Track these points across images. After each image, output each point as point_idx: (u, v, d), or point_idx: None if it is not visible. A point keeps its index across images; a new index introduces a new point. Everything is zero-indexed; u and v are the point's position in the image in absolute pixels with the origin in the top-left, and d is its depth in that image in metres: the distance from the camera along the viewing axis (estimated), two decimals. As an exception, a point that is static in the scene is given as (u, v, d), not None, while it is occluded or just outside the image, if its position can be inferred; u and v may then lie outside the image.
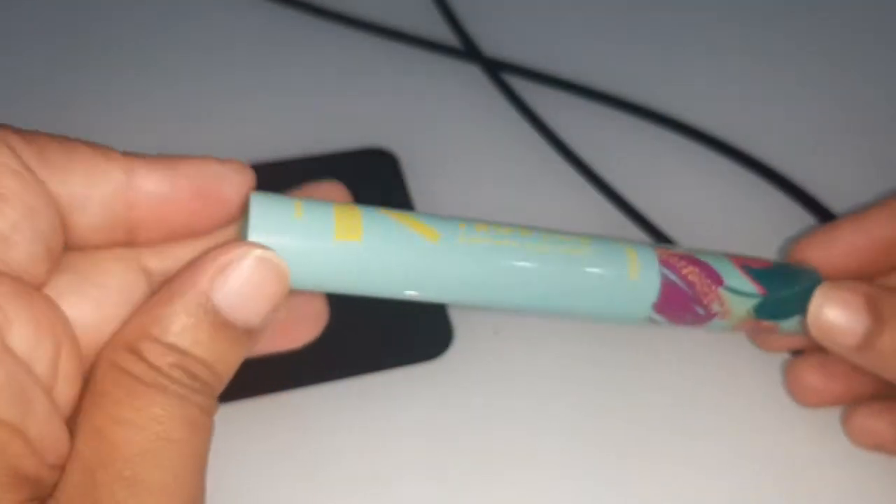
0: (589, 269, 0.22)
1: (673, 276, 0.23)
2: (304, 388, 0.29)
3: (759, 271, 0.25)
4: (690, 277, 0.24)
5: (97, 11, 0.42)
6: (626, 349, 0.30)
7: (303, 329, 0.23)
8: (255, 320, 0.19)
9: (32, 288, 0.17)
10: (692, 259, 0.24)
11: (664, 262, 0.23)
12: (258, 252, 0.19)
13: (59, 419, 0.17)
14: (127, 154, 0.19)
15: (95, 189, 0.19)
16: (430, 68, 0.40)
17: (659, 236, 0.33)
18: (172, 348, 0.18)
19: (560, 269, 0.22)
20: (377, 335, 0.30)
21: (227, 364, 0.19)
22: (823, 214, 0.33)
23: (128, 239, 0.20)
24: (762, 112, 0.38)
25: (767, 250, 0.33)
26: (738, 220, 0.34)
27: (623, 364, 0.30)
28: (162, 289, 0.18)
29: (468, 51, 0.40)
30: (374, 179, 0.35)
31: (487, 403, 0.28)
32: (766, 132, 0.37)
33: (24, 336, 0.17)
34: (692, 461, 0.27)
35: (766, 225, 0.34)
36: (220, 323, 0.18)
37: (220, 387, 0.19)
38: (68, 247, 0.19)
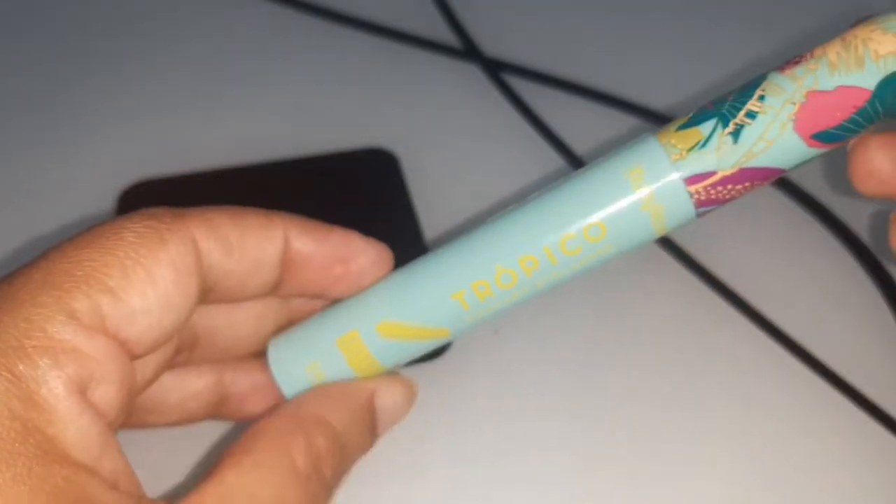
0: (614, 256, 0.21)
1: (712, 208, 0.21)
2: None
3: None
4: (733, 195, 0.20)
5: (97, 11, 0.42)
6: (627, 349, 0.30)
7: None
8: (388, 429, 0.23)
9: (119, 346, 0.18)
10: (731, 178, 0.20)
11: (700, 204, 0.20)
12: (409, 382, 0.23)
13: (125, 457, 0.18)
14: (284, 216, 0.21)
15: (265, 256, 0.21)
16: (430, 68, 0.40)
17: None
18: (336, 436, 0.20)
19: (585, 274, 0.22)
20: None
21: (356, 462, 0.22)
22: (824, 214, 0.33)
23: (274, 290, 0.22)
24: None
25: (767, 250, 0.33)
26: (737, 220, 0.34)
27: (623, 364, 0.30)
28: (331, 388, 0.22)
29: (468, 51, 0.40)
30: (374, 179, 0.35)
31: (487, 404, 0.28)
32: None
33: (106, 394, 0.18)
34: (693, 461, 0.27)
35: (766, 225, 0.34)
36: (371, 425, 0.22)
37: (340, 482, 0.21)
38: (221, 301, 0.21)
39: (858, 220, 0.33)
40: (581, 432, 0.28)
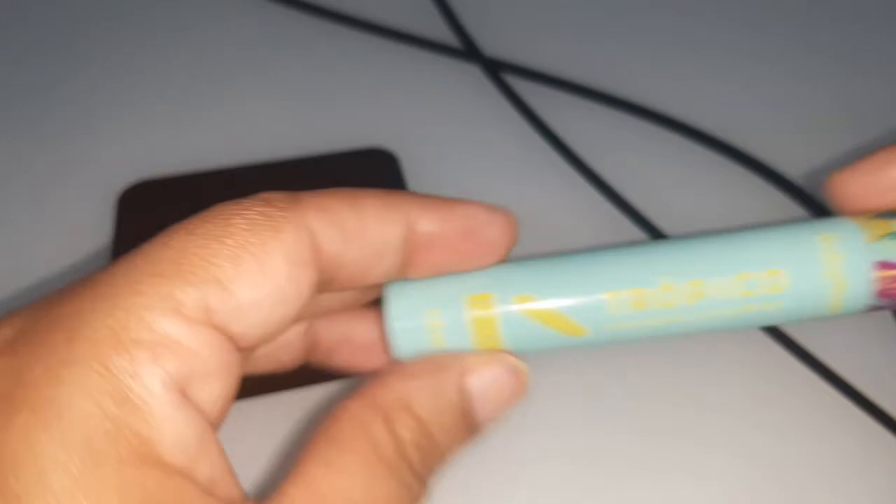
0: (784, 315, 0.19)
1: (885, 303, 0.19)
2: (305, 387, 0.28)
3: None
4: None
5: (97, 11, 0.42)
6: (627, 349, 0.30)
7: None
8: (491, 420, 0.20)
9: (226, 339, 0.17)
10: None
11: (880, 294, 0.19)
12: (514, 362, 0.20)
13: (225, 456, 0.17)
14: (404, 196, 0.20)
15: (387, 240, 0.19)
16: (430, 68, 0.40)
17: (659, 236, 0.33)
18: (421, 424, 0.18)
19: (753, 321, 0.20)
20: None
21: (451, 454, 0.19)
22: (823, 214, 0.33)
23: (399, 274, 0.20)
24: (762, 112, 0.38)
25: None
26: (737, 220, 0.34)
27: (624, 364, 0.30)
28: (417, 366, 0.19)
29: (468, 51, 0.40)
30: (374, 179, 0.35)
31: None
32: (767, 132, 0.37)
33: (208, 391, 0.16)
34: (692, 461, 0.27)
35: (765, 225, 0.34)
36: (466, 413, 0.19)
37: (433, 474, 0.19)
38: (343, 288, 0.19)
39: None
40: (581, 432, 0.28)
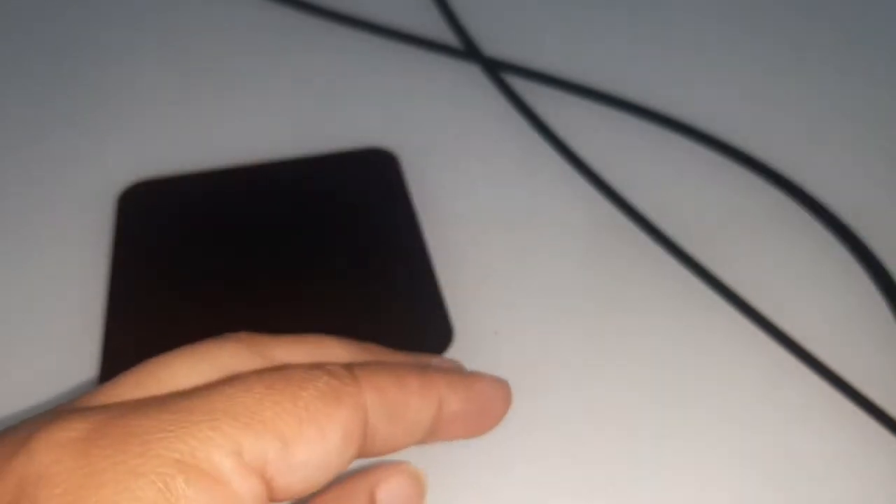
0: None
1: None
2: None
3: None
4: None
5: (97, 11, 0.42)
6: (627, 349, 0.30)
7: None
8: None
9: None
10: None
11: None
12: (414, 470, 0.22)
13: None
14: (436, 375, 0.22)
15: (422, 421, 0.21)
16: (430, 68, 0.40)
17: (659, 236, 0.33)
18: None
19: None
20: (377, 335, 0.30)
21: None
22: (824, 214, 0.33)
23: (421, 442, 0.22)
24: (762, 112, 0.38)
25: (767, 250, 0.33)
26: (738, 220, 0.34)
27: (623, 364, 0.30)
28: (330, 493, 0.21)
29: (468, 51, 0.40)
30: (374, 179, 0.35)
31: (487, 403, 0.28)
32: (767, 132, 0.37)
33: None
34: (692, 461, 0.27)
35: (766, 225, 0.34)
36: None
37: None
38: (369, 456, 0.21)
39: (858, 220, 0.33)
40: (581, 432, 0.28)
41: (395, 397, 0.20)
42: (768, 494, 0.27)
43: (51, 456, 0.16)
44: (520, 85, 0.38)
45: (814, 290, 0.32)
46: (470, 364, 0.29)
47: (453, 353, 0.30)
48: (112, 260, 0.31)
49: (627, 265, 0.32)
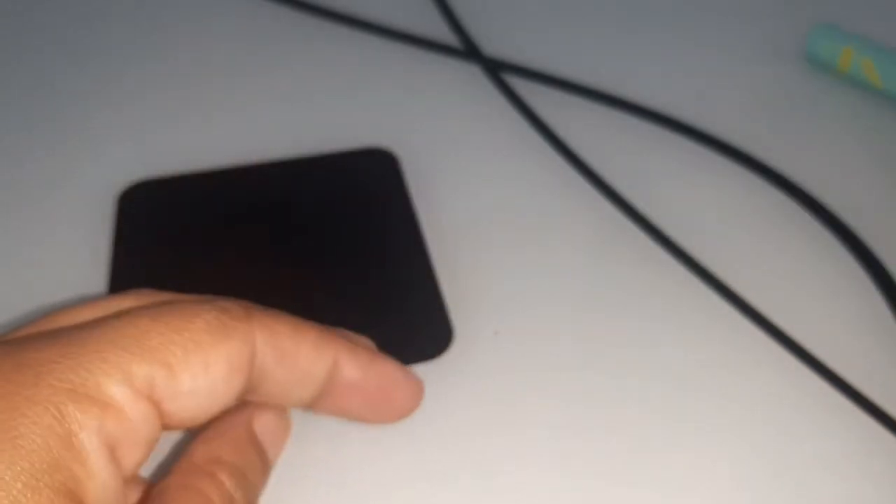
0: None
1: None
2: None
3: None
4: None
5: (97, 11, 0.42)
6: (628, 350, 0.30)
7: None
8: (277, 453, 0.24)
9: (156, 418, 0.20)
10: None
11: None
12: (282, 407, 0.24)
13: None
14: (336, 337, 0.23)
15: (313, 372, 0.22)
16: (430, 68, 0.40)
17: (659, 236, 0.33)
18: (234, 468, 0.21)
19: None
20: (377, 335, 0.30)
21: (260, 490, 0.23)
22: (824, 214, 0.33)
23: (310, 405, 0.23)
24: (762, 112, 0.38)
25: (767, 250, 0.33)
26: (738, 220, 0.34)
27: (623, 364, 0.30)
28: (212, 428, 0.22)
29: (468, 51, 0.40)
30: (374, 179, 0.35)
31: (487, 404, 0.28)
32: (766, 132, 0.37)
33: (131, 455, 0.19)
34: (691, 461, 0.27)
35: (766, 225, 0.34)
36: (260, 450, 0.23)
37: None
38: (260, 400, 0.23)
39: (858, 220, 0.33)
40: (582, 433, 0.28)
41: (288, 342, 0.21)
42: (768, 494, 0.27)
43: None
44: (520, 85, 0.38)
45: (814, 290, 0.32)
46: (470, 364, 0.29)
47: (453, 353, 0.30)
48: (112, 260, 0.31)
49: (627, 265, 0.32)
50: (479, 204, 0.34)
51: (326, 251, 0.32)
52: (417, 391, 0.25)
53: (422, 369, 0.29)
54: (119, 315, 0.20)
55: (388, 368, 0.24)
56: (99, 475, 0.18)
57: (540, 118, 0.37)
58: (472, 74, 0.39)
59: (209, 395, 0.20)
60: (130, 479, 0.20)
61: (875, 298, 0.31)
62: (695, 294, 0.31)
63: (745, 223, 0.34)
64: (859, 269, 0.32)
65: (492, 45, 0.40)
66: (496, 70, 0.39)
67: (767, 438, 0.28)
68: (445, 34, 0.41)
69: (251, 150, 0.36)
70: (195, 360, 0.19)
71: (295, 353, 0.22)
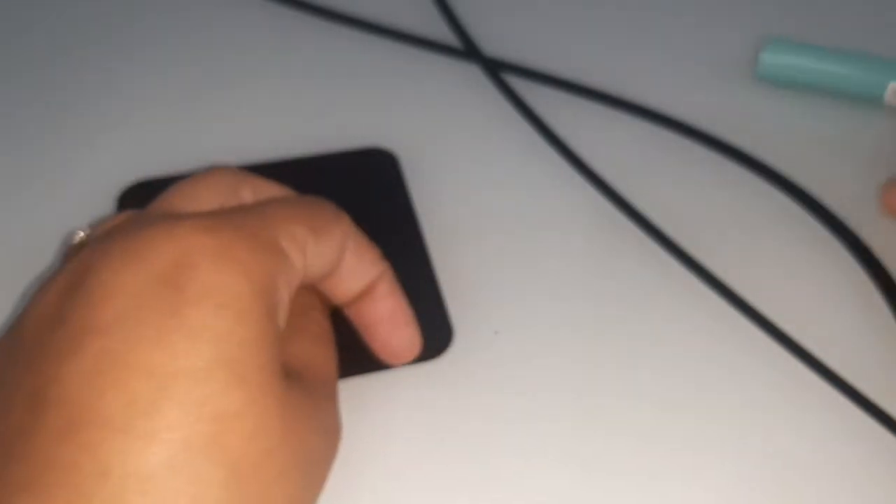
0: None
1: None
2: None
3: None
4: None
5: (96, 11, 0.42)
6: (627, 349, 0.30)
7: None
8: None
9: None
10: None
11: None
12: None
13: None
14: (385, 265, 0.28)
15: (362, 273, 0.27)
16: (430, 68, 0.40)
17: (659, 236, 0.33)
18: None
19: None
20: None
21: None
22: (823, 214, 0.33)
23: (324, 277, 0.27)
24: (762, 112, 0.38)
25: (767, 250, 0.33)
26: (738, 220, 0.34)
27: (623, 364, 0.30)
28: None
29: (468, 51, 0.40)
30: (374, 179, 0.35)
31: (487, 403, 0.28)
32: (766, 132, 0.37)
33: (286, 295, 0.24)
34: (692, 461, 0.27)
35: (766, 225, 0.34)
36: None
37: None
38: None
39: (859, 220, 0.33)
40: (581, 433, 0.28)
41: (361, 245, 0.27)
42: (767, 494, 0.27)
43: (196, 237, 0.22)
44: (520, 85, 0.38)
45: (813, 290, 0.32)
46: (470, 364, 0.29)
47: (453, 352, 0.30)
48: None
49: (627, 265, 0.32)
50: (479, 204, 0.34)
51: (326, 251, 0.32)
52: (416, 339, 0.28)
53: (422, 369, 0.29)
54: (276, 201, 0.26)
55: (404, 305, 0.28)
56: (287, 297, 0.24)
57: (540, 118, 0.37)
58: (472, 74, 0.39)
59: (328, 260, 0.26)
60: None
61: (875, 298, 0.31)
62: (694, 294, 0.31)
63: (745, 223, 0.34)
64: (859, 269, 0.32)
65: (492, 45, 0.40)
66: (496, 70, 0.39)
67: (766, 437, 0.28)
68: (445, 34, 0.41)
69: (251, 150, 0.36)
70: (327, 229, 0.26)
71: (361, 255, 0.27)
